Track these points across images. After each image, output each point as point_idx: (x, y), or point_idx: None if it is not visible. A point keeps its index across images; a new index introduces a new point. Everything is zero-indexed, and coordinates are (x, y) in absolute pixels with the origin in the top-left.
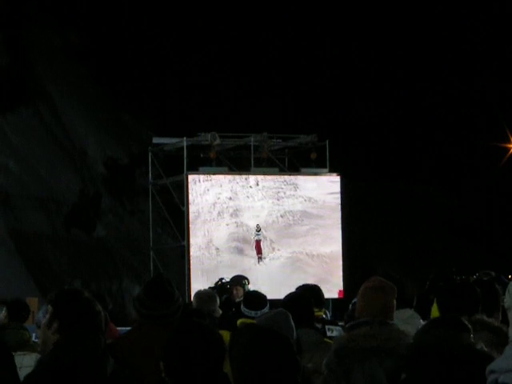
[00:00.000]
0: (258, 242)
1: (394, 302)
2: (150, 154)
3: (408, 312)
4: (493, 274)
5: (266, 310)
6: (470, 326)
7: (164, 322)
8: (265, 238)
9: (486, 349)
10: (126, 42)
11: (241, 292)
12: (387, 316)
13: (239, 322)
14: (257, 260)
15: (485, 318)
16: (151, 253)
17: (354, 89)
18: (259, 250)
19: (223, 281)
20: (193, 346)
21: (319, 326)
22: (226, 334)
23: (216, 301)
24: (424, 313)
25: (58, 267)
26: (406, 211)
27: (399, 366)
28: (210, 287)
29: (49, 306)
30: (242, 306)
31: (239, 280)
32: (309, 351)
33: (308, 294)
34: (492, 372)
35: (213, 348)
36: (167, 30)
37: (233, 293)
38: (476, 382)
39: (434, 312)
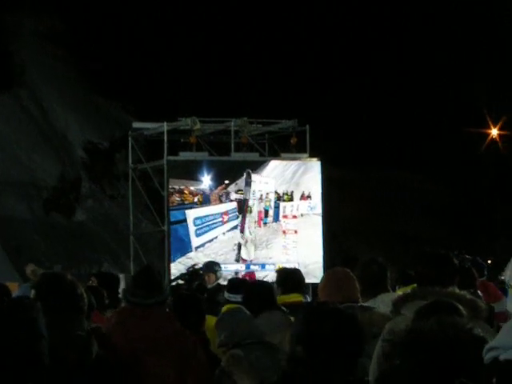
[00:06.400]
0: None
1: (357, 286)
2: (129, 139)
3: (391, 295)
4: (469, 257)
5: None
6: (464, 312)
7: (151, 311)
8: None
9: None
10: (105, 26)
11: (213, 278)
12: (356, 299)
13: (225, 308)
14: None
15: (457, 290)
16: (131, 237)
17: (334, 74)
18: None
19: (195, 267)
20: (331, 330)
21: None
22: None
23: None
24: None
25: (38, 252)
26: (386, 197)
27: (391, 351)
28: (181, 273)
29: (32, 290)
30: (225, 293)
31: (211, 266)
32: (280, 332)
33: (287, 278)
34: (492, 349)
35: (351, 331)
36: (147, 14)
37: (205, 279)
38: (476, 368)
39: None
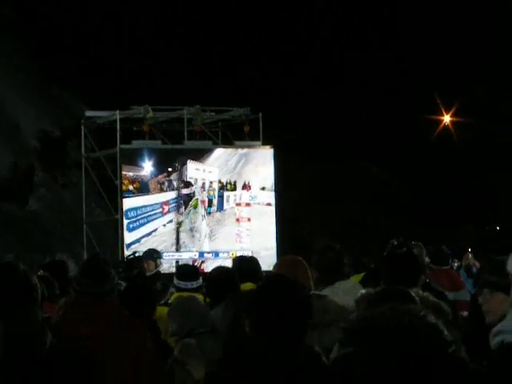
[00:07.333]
0: None
1: (310, 273)
2: (82, 127)
3: (349, 283)
4: (416, 243)
5: (200, 280)
6: (417, 299)
7: (98, 300)
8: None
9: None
10: (58, 15)
11: (152, 266)
12: (308, 287)
13: (176, 295)
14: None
15: (420, 291)
16: (84, 226)
17: (287, 61)
18: None
19: (136, 254)
20: (279, 303)
21: None
22: None
23: None
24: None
25: None
26: (338, 184)
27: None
28: (120, 260)
29: None
30: (175, 280)
31: (151, 254)
32: None
33: (242, 267)
34: (499, 333)
35: (297, 304)
36: (99, 1)
37: (144, 266)
38: (430, 354)
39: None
